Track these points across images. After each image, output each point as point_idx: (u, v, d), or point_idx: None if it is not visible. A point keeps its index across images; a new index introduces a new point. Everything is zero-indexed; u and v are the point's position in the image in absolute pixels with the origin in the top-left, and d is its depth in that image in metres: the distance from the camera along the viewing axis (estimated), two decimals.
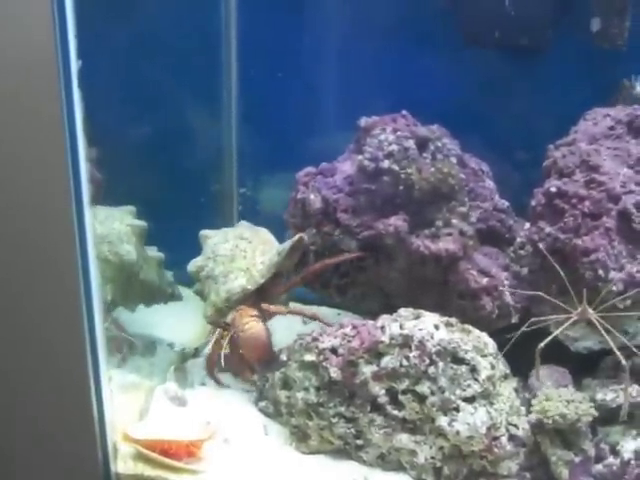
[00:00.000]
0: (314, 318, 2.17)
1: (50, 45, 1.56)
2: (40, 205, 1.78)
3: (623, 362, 1.84)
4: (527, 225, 2.09)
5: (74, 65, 1.61)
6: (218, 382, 2.20)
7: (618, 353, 1.85)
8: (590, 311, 1.91)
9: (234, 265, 2.15)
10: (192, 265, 2.26)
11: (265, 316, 2.12)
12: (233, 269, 2.15)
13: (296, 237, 2.12)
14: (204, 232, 2.29)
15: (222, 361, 2.12)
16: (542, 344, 1.91)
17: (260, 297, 2.14)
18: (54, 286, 1.86)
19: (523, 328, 1.93)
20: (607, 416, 1.88)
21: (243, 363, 2.14)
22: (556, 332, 1.92)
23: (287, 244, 2.12)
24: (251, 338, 2.07)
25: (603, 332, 1.89)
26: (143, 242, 2.34)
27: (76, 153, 1.65)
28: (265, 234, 2.25)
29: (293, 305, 2.29)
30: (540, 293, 1.99)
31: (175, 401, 2.14)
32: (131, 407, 2.10)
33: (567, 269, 1.93)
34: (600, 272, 1.87)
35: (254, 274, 2.12)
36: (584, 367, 1.97)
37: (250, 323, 2.07)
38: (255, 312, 2.10)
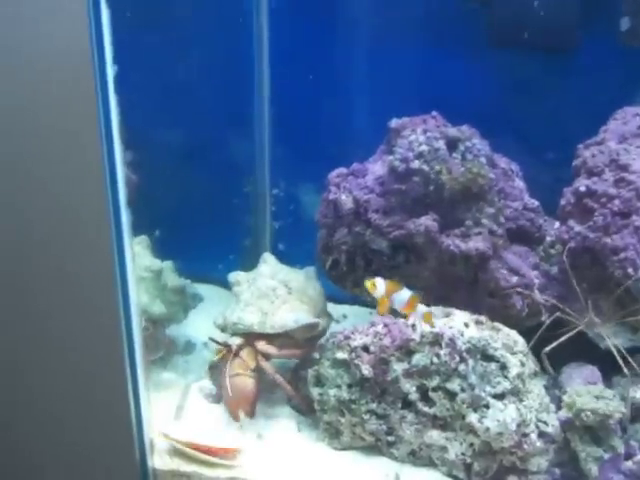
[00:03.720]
0: (301, 356, 2.18)
1: (86, 51, 1.60)
2: (77, 207, 1.82)
3: (625, 370, 1.88)
4: (557, 224, 2.10)
5: (110, 71, 1.64)
6: None
7: (620, 361, 1.89)
8: (597, 320, 1.94)
9: (259, 302, 2.18)
10: (232, 276, 2.29)
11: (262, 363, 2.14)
12: (255, 304, 2.17)
13: (314, 320, 2.14)
14: (267, 256, 2.33)
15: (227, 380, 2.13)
16: (547, 349, 1.95)
17: (259, 342, 2.15)
18: (91, 287, 1.90)
19: (547, 322, 1.97)
20: (637, 414, 1.89)
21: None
22: (558, 341, 1.95)
23: (305, 320, 2.13)
24: (238, 389, 2.09)
25: (608, 341, 1.92)
26: (153, 254, 2.39)
27: (112, 156, 1.69)
28: (314, 296, 2.24)
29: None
30: (554, 302, 2.02)
31: (210, 398, 2.20)
32: (167, 404, 2.16)
33: (597, 268, 1.96)
34: (629, 270, 1.88)
35: (267, 322, 2.14)
36: (614, 365, 1.97)
37: (242, 377, 2.09)
38: (253, 365, 2.11)
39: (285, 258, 2.37)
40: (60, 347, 2.14)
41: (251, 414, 2.08)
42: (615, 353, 1.90)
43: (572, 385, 1.93)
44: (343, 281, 2.21)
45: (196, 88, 2.53)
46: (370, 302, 2.30)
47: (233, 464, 1.94)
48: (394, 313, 2.01)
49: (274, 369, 2.13)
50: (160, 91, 2.48)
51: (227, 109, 2.58)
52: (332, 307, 2.40)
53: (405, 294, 1.92)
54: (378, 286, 1.95)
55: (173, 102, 2.52)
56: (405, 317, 1.97)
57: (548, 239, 2.14)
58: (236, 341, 2.15)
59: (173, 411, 2.15)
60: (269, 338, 2.15)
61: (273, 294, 2.19)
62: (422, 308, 1.95)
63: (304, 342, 2.17)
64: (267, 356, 2.14)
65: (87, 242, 1.84)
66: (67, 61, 1.61)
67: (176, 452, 1.98)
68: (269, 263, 2.29)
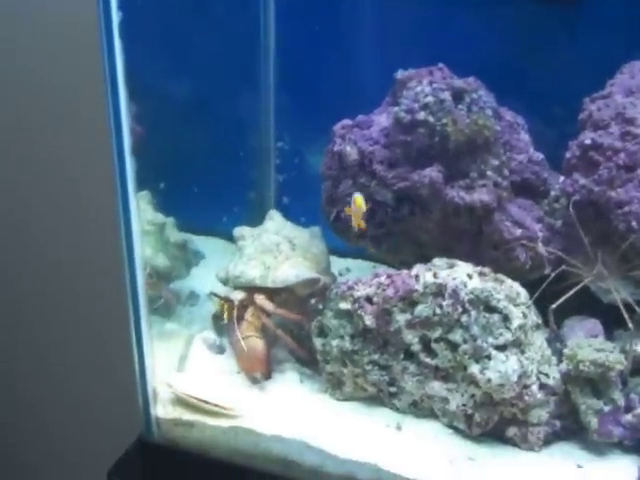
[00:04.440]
0: (297, 321, 2.18)
1: None
2: (82, 155, 1.84)
3: (629, 324, 1.87)
4: (562, 178, 2.09)
5: (115, 17, 1.64)
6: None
7: (626, 315, 1.89)
8: (605, 272, 1.95)
9: (262, 257, 2.19)
10: (237, 230, 2.31)
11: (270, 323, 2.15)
12: (258, 258, 2.19)
13: (315, 275, 2.16)
14: (273, 213, 2.34)
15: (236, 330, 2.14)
16: (554, 305, 1.94)
17: (259, 297, 2.16)
18: (95, 234, 1.92)
19: (553, 275, 1.98)
20: (638, 367, 1.90)
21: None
22: (566, 295, 1.95)
23: (306, 275, 2.15)
24: (248, 351, 2.10)
25: (615, 294, 1.93)
26: (155, 210, 2.41)
27: (117, 102, 1.70)
28: (318, 254, 2.26)
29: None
30: (559, 253, 2.03)
31: (213, 349, 2.22)
32: (171, 354, 2.19)
33: (601, 221, 1.96)
34: (633, 224, 1.88)
35: (269, 276, 2.15)
36: (616, 319, 1.97)
37: (251, 338, 2.11)
38: (260, 324, 2.14)
39: (289, 211, 2.38)
40: (65, 296, 2.16)
41: (267, 375, 2.11)
42: (621, 306, 1.90)
43: (574, 338, 1.94)
44: (347, 233, 2.21)
45: (202, 39, 2.52)
46: (374, 255, 2.31)
47: (235, 414, 1.97)
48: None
49: (275, 324, 2.15)
50: (165, 42, 2.48)
51: (232, 61, 2.57)
52: (335, 260, 2.42)
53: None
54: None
55: (178, 53, 2.51)
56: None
57: (552, 193, 2.14)
58: (238, 296, 2.16)
59: (176, 361, 2.17)
60: (270, 293, 2.16)
61: (277, 249, 2.20)
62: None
63: (306, 298, 2.18)
64: (267, 312, 2.16)
65: (91, 189, 1.85)
66: (71, 4, 1.62)
67: (179, 401, 2.01)
68: (275, 220, 2.31)
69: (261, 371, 2.09)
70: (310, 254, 2.23)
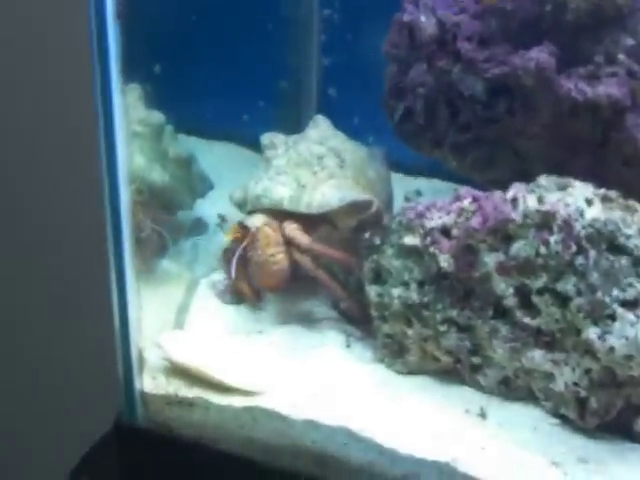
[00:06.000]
0: (343, 263, 2.20)
1: None
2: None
3: None
4: None
5: None
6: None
7: None
8: None
9: (296, 171, 2.22)
10: (266, 137, 2.34)
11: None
12: (291, 173, 2.21)
13: (367, 197, 2.18)
14: (320, 119, 2.35)
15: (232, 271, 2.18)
16: None
17: (288, 225, 2.18)
18: (66, 131, 1.96)
19: None
20: None
21: (251, 287, 2.23)
22: None
23: (354, 196, 2.17)
24: (271, 266, 2.14)
25: None
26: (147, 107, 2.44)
27: None
28: (375, 181, 2.28)
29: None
30: None
31: (225, 298, 2.26)
32: (165, 304, 2.24)
33: None
34: None
35: (303, 198, 2.18)
36: None
37: (278, 256, 2.14)
38: (283, 242, 2.15)
39: (336, 107, 2.40)
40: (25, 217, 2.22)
41: (276, 288, 2.18)
42: None
43: None
44: (419, 139, 2.24)
45: None
46: (455, 171, 2.32)
47: (254, 389, 1.99)
48: None
49: (312, 262, 2.16)
50: None
51: None
52: (401, 180, 2.46)
53: None
54: None
55: None
56: None
57: None
58: (256, 221, 2.19)
59: (173, 314, 2.23)
60: (302, 222, 2.19)
61: (318, 164, 2.23)
62: None
63: (354, 234, 2.21)
64: (299, 246, 2.17)
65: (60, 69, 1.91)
66: None
67: (174, 370, 2.04)
68: (321, 127, 2.33)
69: (270, 285, 2.17)
70: (364, 178, 2.25)
